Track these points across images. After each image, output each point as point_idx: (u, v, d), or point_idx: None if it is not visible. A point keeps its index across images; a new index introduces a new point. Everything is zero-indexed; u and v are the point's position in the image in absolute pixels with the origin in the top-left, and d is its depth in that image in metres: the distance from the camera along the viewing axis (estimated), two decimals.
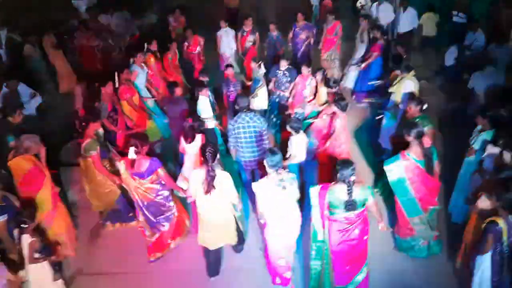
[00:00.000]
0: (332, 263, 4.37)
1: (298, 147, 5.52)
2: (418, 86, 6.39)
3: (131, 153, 4.74)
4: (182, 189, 5.27)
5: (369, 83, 8.10)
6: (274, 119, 7.64)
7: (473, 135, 5.31)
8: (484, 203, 4.36)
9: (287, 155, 5.60)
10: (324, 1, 11.51)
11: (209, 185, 4.40)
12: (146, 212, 5.03)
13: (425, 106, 5.43)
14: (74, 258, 5.38)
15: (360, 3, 11.21)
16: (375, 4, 10.21)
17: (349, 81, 9.02)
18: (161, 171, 4.88)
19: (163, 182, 4.98)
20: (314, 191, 4.20)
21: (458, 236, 4.86)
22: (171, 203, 5.20)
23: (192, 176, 4.57)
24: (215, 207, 4.57)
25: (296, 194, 4.33)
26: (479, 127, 5.28)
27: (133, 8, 11.05)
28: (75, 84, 8.89)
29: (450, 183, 5.63)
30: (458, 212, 5.45)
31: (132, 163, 4.78)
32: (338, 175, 4.01)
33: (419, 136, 4.65)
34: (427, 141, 4.72)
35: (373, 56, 8.13)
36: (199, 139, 5.57)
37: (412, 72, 6.42)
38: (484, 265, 4.04)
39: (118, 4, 10.78)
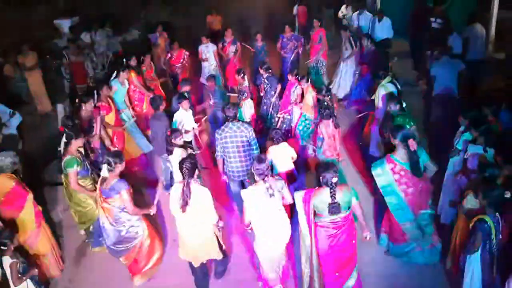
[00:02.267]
0: (321, 269, 4.32)
1: (279, 157, 5.51)
2: (394, 91, 6.51)
3: (104, 170, 4.59)
4: (144, 213, 4.88)
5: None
6: None
7: (456, 136, 5.33)
8: (470, 202, 4.37)
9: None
10: (299, 10, 11.97)
11: (184, 201, 4.17)
12: (105, 235, 4.75)
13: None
14: (61, 278, 5.24)
15: (342, 12, 11.41)
16: (355, 13, 10.37)
17: (340, 90, 9.24)
18: (124, 194, 4.51)
19: (124, 209, 4.62)
20: (298, 197, 4.19)
21: (447, 237, 4.84)
22: (136, 232, 4.78)
23: (171, 192, 4.36)
24: (193, 225, 4.33)
25: (287, 201, 4.30)
26: (462, 127, 5.32)
27: (115, 25, 11.06)
28: (50, 105, 8.81)
29: (437, 185, 5.60)
30: (446, 213, 5.43)
31: (103, 180, 4.63)
32: (321, 178, 4.02)
33: (405, 139, 4.66)
34: (412, 144, 4.73)
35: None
36: (177, 153, 5.45)
37: (387, 79, 6.60)
38: (474, 264, 4.02)
39: (100, 22, 10.80)
